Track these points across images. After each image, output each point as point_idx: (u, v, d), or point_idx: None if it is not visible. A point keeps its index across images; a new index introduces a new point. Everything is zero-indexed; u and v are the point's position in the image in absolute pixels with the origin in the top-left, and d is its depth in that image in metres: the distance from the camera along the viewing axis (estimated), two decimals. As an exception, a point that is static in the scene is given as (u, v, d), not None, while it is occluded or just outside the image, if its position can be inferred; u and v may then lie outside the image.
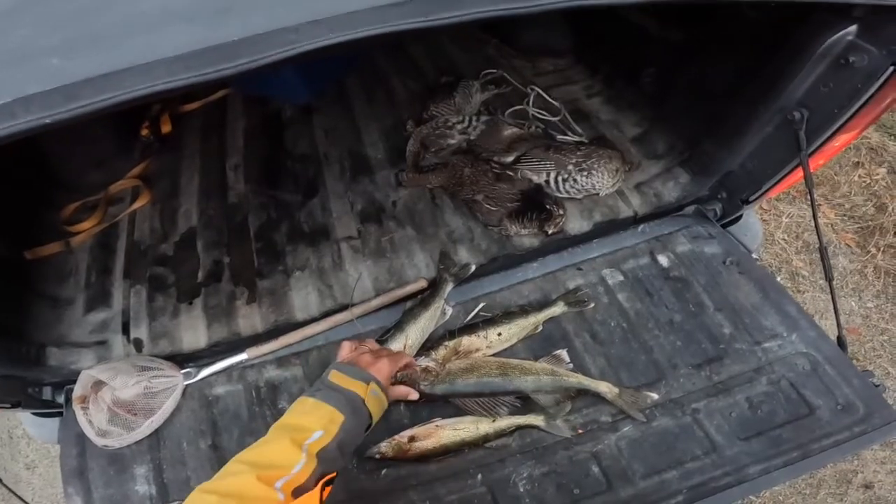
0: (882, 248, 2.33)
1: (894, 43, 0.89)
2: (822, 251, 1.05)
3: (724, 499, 0.98)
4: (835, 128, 0.99)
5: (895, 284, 2.24)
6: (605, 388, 1.10)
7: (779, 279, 2.22)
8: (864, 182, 2.69)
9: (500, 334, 1.18)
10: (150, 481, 1.08)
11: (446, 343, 1.18)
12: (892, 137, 3.01)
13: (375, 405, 0.86)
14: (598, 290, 1.28)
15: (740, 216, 1.36)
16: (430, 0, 0.64)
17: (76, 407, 1.12)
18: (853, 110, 0.95)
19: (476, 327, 1.20)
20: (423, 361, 1.14)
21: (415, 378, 1.11)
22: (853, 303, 2.21)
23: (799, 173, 1.12)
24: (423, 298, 1.26)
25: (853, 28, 0.96)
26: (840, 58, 0.96)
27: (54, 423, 1.18)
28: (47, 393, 1.17)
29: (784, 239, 2.42)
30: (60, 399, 1.17)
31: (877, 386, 1.10)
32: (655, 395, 1.10)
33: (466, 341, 1.17)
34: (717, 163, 1.26)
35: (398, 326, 1.20)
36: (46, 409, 1.18)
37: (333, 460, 0.75)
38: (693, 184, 1.33)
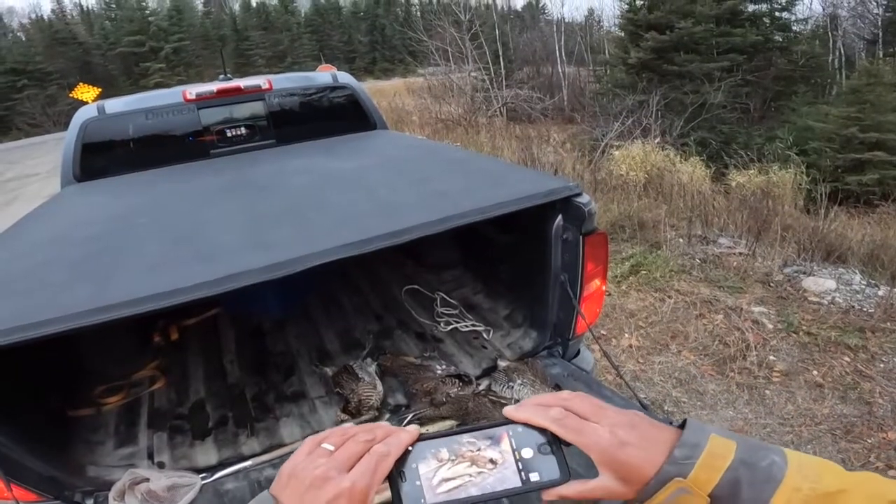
0: (737, 371, 3.12)
1: (578, 221, 1.66)
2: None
3: None
4: (580, 281, 1.81)
5: (758, 392, 2.96)
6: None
7: (665, 407, 2.88)
8: (708, 328, 3.58)
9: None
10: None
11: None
12: (721, 289, 4.02)
13: None
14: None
15: (579, 351, 2.15)
16: (348, 245, 1.41)
17: (111, 500, 1.44)
18: (581, 267, 1.82)
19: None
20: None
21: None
22: (731, 412, 2.83)
23: (589, 310, 1.96)
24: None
25: (560, 216, 1.67)
26: (562, 237, 1.73)
27: None
28: (78, 497, 1.48)
29: (661, 380, 3.14)
30: (89, 502, 1.47)
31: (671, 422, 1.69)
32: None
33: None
34: (544, 320, 2.01)
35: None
36: None
37: None
38: (539, 336, 2.12)
